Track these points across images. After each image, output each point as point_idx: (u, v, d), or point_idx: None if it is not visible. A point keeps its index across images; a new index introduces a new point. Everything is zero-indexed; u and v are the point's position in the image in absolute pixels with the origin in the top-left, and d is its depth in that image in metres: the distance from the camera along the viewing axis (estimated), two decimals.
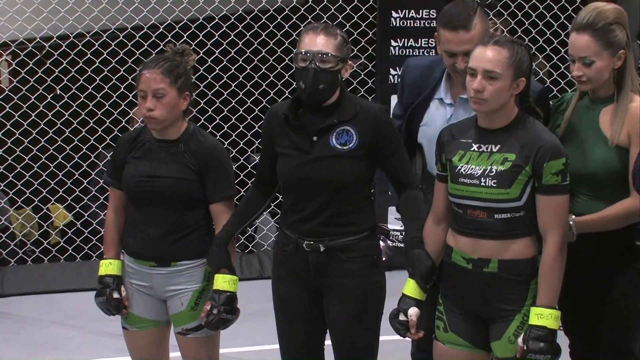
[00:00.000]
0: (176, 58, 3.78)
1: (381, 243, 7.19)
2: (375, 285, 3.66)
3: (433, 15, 7.04)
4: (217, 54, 7.17)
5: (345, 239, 3.60)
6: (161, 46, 6.53)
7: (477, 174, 3.33)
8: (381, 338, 3.73)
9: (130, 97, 7.04)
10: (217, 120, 7.26)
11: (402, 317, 3.47)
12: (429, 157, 3.80)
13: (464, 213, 3.38)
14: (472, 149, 3.38)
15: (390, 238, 7.18)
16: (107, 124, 7.08)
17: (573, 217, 3.44)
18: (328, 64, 3.53)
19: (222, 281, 3.71)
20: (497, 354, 3.40)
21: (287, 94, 7.09)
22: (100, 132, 7.08)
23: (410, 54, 7.16)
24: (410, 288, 3.49)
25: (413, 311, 3.45)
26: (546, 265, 3.29)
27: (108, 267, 3.85)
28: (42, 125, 6.97)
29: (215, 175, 3.76)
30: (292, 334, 3.74)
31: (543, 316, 3.27)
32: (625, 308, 3.52)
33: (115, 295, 3.83)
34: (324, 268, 3.61)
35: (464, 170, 3.37)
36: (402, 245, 6.60)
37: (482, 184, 3.32)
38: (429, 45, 7.11)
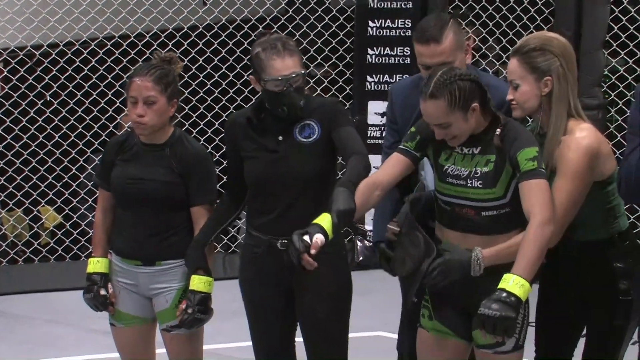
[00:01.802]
0: (165, 66, 3.78)
1: (358, 243, 6.94)
2: (345, 280, 3.71)
3: (408, 24, 7.11)
4: (200, 61, 7.22)
5: None
6: (147, 54, 6.66)
7: (463, 175, 3.38)
8: (352, 335, 3.77)
9: (118, 104, 7.12)
10: (201, 125, 7.31)
11: (306, 238, 3.27)
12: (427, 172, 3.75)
13: (452, 210, 3.42)
14: (456, 149, 3.41)
15: (368, 238, 7.14)
16: (96, 129, 7.15)
17: (480, 250, 3.34)
18: (299, 81, 3.57)
19: (198, 282, 3.72)
20: (477, 342, 3.43)
21: None
22: (88, 137, 7.14)
23: (386, 62, 7.24)
24: (323, 219, 3.30)
25: (320, 236, 3.27)
26: (523, 239, 3.23)
27: (96, 265, 3.90)
28: (32, 130, 7.03)
29: (198, 179, 3.79)
30: (265, 333, 3.77)
31: (505, 280, 3.19)
32: (606, 327, 3.50)
33: (102, 292, 3.86)
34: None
35: (451, 171, 3.41)
36: None
37: (469, 184, 3.37)
38: (404, 53, 7.20)
